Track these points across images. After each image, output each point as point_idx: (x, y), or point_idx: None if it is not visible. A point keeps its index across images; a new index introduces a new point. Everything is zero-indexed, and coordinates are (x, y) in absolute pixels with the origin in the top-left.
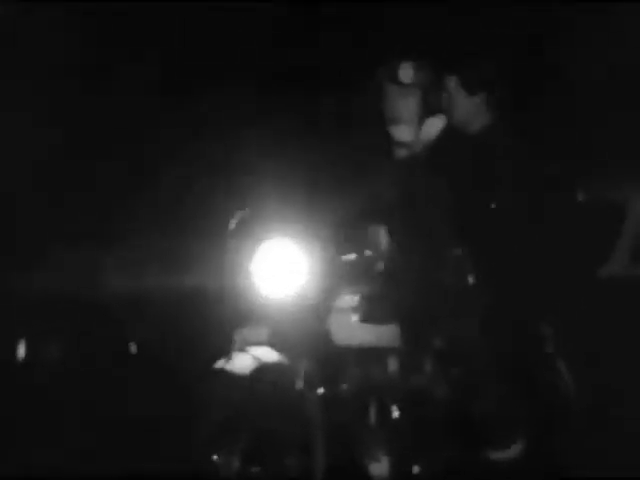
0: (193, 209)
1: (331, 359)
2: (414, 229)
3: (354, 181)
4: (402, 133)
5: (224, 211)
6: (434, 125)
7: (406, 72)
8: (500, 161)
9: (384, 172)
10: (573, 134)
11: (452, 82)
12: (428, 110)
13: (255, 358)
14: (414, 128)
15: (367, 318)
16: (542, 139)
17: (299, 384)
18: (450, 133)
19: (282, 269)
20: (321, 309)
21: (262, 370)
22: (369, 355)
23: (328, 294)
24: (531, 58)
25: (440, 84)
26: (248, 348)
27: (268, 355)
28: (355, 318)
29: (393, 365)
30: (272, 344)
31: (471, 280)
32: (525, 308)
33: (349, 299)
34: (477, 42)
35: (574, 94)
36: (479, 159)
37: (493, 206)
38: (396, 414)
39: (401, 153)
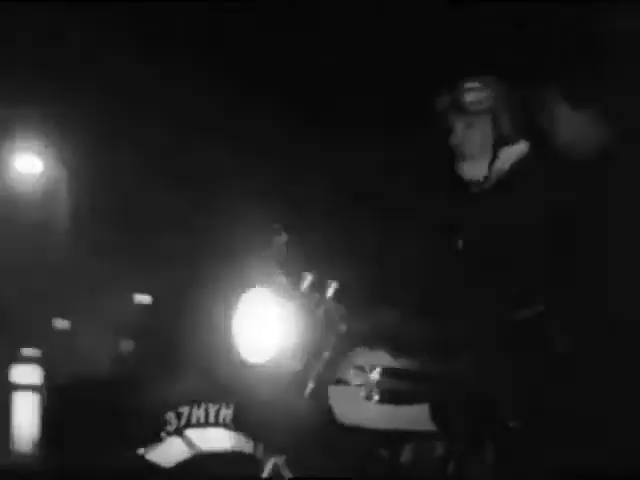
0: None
1: (334, 442)
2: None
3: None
4: (471, 170)
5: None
6: (511, 155)
7: (472, 94)
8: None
9: (449, 209)
10: None
11: (548, 95)
12: (503, 136)
13: (190, 444)
14: (485, 161)
15: (387, 399)
16: None
17: (264, 475)
18: (532, 162)
19: (262, 327)
20: (315, 380)
21: (195, 460)
22: (395, 439)
23: (327, 363)
24: None
25: (517, 101)
26: (187, 429)
27: (215, 438)
28: (371, 395)
29: (437, 450)
30: (233, 425)
31: (561, 347)
32: None
33: (360, 371)
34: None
35: None
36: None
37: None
38: None
39: (469, 189)
